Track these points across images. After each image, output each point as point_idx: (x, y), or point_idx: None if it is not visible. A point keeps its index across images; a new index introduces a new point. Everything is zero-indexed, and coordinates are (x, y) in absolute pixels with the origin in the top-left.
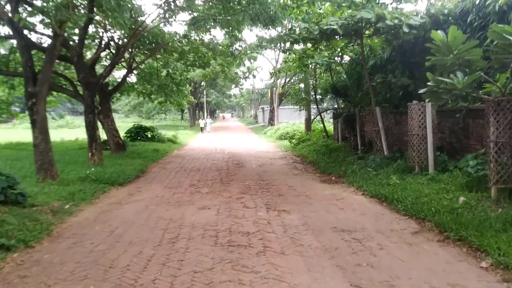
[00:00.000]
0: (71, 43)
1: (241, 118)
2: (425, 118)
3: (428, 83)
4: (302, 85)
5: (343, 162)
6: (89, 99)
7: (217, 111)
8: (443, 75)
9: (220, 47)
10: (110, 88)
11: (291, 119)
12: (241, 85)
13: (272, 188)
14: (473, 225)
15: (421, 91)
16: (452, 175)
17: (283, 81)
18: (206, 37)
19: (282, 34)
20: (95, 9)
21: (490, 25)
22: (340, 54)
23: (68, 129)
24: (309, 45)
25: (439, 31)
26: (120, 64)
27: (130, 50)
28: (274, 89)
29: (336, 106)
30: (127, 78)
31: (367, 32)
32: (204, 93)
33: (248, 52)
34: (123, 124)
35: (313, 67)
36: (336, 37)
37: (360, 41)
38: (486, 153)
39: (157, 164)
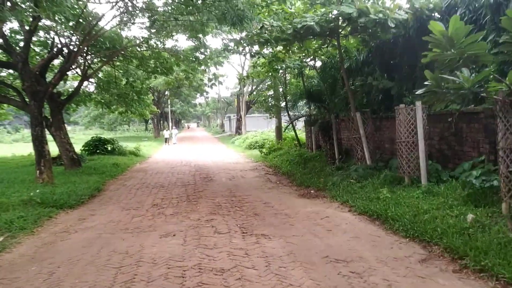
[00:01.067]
0: (18, 48)
1: (207, 128)
2: (415, 123)
3: (426, 83)
4: (271, 92)
5: (321, 173)
6: (35, 110)
7: (183, 121)
8: (442, 73)
9: (183, 52)
10: (63, 98)
11: (259, 127)
12: (206, 93)
13: (246, 205)
14: (493, 250)
15: (418, 91)
16: (449, 187)
17: (250, 88)
18: (169, 43)
19: (252, 33)
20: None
21: (490, 16)
22: (313, 57)
23: (23, 143)
24: (280, 47)
25: (438, 22)
26: (74, 72)
27: (84, 55)
28: (241, 97)
29: (309, 112)
30: (84, 87)
31: (343, 32)
32: (169, 102)
33: (214, 56)
34: (84, 136)
35: (283, 72)
36: (310, 37)
37: (336, 40)
38: (486, 161)
39: (116, 180)
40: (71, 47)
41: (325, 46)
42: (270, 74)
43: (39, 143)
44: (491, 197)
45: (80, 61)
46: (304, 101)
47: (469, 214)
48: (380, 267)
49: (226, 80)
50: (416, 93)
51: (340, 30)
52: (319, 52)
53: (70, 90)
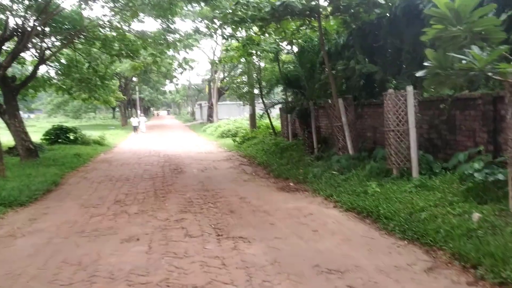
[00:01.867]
0: None
1: (177, 116)
2: (406, 110)
3: (426, 63)
4: (245, 78)
5: (299, 163)
6: None
7: (152, 109)
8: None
9: (151, 34)
10: (17, 83)
11: (232, 115)
12: (176, 79)
13: (220, 201)
14: None
15: (418, 73)
16: (444, 180)
17: (221, 75)
18: (135, 25)
19: (226, 11)
20: None
21: None
22: (290, 39)
23: None
24: (255, 28)
25: None
26: (31, 54)
27: (40, 37)
28: (212, 83)
29: (285, 99)
30: (44, 72)
31: (323, 12)
32: (137, 89)
33: (184, 39)
34: (47, 124)
35: (257, 56)
36: (289, 17)
37: (317, 21)
38: (484, 151)
39: (77, 172)
40: (26, 27)
41: (304, 28)
42: (244, 58)
43: None
44: (494, 193)
45: (37, 43)
46: (280, 88)
47: (475, 213)
48: (382, 279)
49: (197, 66)
50: (417, 75)
51: (321, 10)
52: (297, 34)
53: (24, 74)
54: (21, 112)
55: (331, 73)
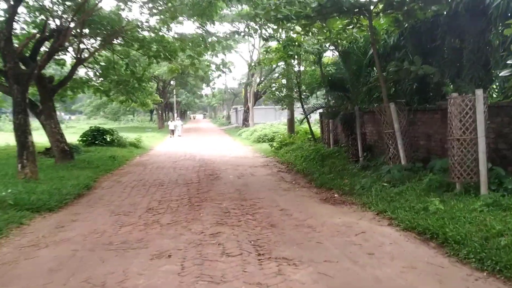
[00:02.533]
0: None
1: (213, 119)
2: (474, 116)
3: (510, 62)
4: (283, 81)
5: (344, 172)
6: (18, 95)
7: (188, 112)
8: None
9: (190, 36)
10: (54, 83)
11: (267, 119)
12: (213, 83)
13: (259, 212)
14: None
15: (502, 73)
16: None
17: (258, 79)
18: (174, 28)
19: (269, 7)
20: None
21: None
22: (335, 39)
23: None
24: (298, 28)
25: None
26: (67, 54)
27: (78, 37)
28: (249, 87)
29: (327, 103)
30: (80, 73)
31: (374, 9)
32: (174, 92)
33: (222, 40)
34: (87, 126)
35: (297, 58)
36: (336, 15)
37: (368, 18)
38: None
39: (111, 175)
40: (62, 24)
41: (351, 26)
42: (284, 60)
43: (21, 132)
44: None
45: (75, 43)
46: (320, 92)
47: None
48: None
49: (234, 70)
50: (500, 74)
51: (372, 7)
52: (342, 34)
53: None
54: (62, 114)
55: (382, 75)
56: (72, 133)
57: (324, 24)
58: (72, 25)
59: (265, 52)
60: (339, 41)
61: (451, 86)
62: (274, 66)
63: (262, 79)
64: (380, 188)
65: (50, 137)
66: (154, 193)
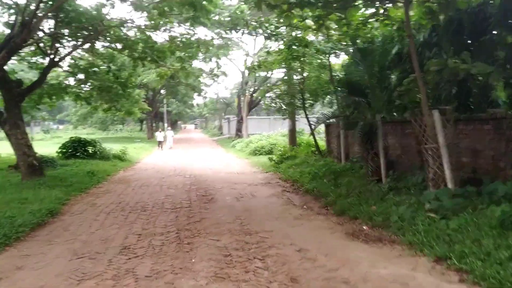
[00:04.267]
0: None
1: (204, 130)
2: None
3: None
4: (283, 88)
5: (366, 195)
6: None
7: (179, 122)
8: None
9: (180, 38)
10: (22, 88)
11: (261, 129)
12: (204, 92)
13: (271, 255)
14: None
15: None
16: None
17: (252, 88)
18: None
19: None
20: None
21: None
22: (354, 35)
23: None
24: (309, 22)
25: None
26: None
27: (51, 35)
28: (243, 96)
29: (341, 112)
30: (60, 78)
31: None
32: (164, 102)
33: (216, 39)
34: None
35: (301, 62)
36: (361, 1)
37: (405, 4)
38: None
39: (86, 196)
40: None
41: (374, 19)
42: (287, 64)
43: None
44: None
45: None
46: (326, 100)
47: None
48: None
49: (226, 79)
50: None
51: None
52: (362, 29)
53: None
54: (50, 123)
55: (420, 76)
56: (57, 143)
57: (343, 16)
58: (40, 14)
59: (266, 53)
60: (358, 37)
61: (505, 90)
62: (269, 73)
63: (256, 88)
64: (428, 221)
65: (15, 150)
66: (133, 222)
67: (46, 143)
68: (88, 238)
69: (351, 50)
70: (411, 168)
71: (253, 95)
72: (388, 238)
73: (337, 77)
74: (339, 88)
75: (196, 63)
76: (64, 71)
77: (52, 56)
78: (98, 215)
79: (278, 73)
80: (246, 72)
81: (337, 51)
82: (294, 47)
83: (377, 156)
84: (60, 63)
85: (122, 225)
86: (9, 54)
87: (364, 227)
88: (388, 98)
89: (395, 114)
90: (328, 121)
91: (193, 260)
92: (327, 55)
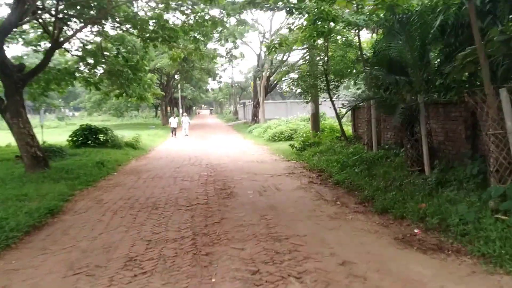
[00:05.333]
0: None
1: (219, 115)
2: None
3: None
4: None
5: (409, 189)
6: None
7: (194, 108)
8: None
9: (193, 16)
10: (24, 73)
11: (278, 114)
12: (219, 76)
13: (309, 271)
14: None
15: None
16: None
17: (268, 72)
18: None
19: None
20: None
21: None
22: (391, 2)
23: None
24: None
25: None
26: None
27: (53, 12)
28: (258, 80)
29: (375, 94)
30: (69, 62)
31: None
32: (179, 87)
33: (234, 12)
34: (90, 123)
35: (326, 39)
36: None
37: None
38: None
39: (93, 190)
40: None
41: None
42: (311, 41)
43: None
44: None
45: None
46: (350, 81)
47: None
48: None
49: (241, 63)
50: None
51: None
52: None
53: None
54: (66, 110)
55: (482, 47)
56: (70, 131)
57: None
58: None
59: (289, 30)
60: (396, 6)
61: None
62: (286, 56)
63: (272, 71)
64: (499, 226)
65: (17, 140)
66: (142, 224)
67: (61, 130)
68: (89, 245)
69: (385, 24)
70: (458, 157)
71: (270, 78)
72: (450, 247)
73: (365, 55)
74: (371, 67)
75: (211, 45)
76: (72, 54)
77: (55, 38)
78: (104, 214)
79: (295, 56)
80: (262, 54)
81: (370, 24)
82: (319, 22)
83: (418, 143)
84: (68, 47)
85: (129, 228)
86: (3, 33)
87: (416, 231)
88: (427, 77)
89: (433, 95)
90: (361, 103)
91: (213, 280)
92: (358, 30)
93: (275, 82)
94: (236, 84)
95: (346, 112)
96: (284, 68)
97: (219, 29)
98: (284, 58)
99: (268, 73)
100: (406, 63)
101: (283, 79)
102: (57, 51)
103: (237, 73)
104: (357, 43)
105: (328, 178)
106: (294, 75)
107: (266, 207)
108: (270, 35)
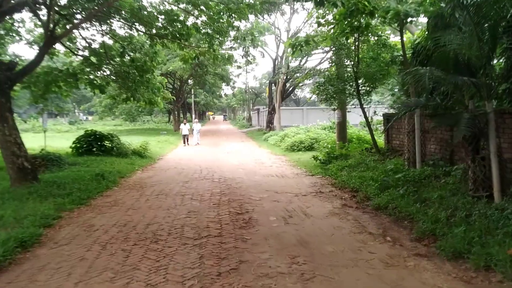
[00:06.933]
0: None
1: (232, 121)
2: None
3: None
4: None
5: (483, 223)
6: None
7: (207, 113)
8: None
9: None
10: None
11: (294, 122)
12: (232, 82)
13: None
14: None
15: None
16: None
17: (284, 77)
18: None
19: None
20: None
21: None
22: None
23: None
24: None
25: None
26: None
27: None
28: (274, 85)
29: (425, 100)
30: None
31: None
32: (192, 92)
33: (251, 11)
34: (102, 128)
35: (360, 37)
36: None
37: None
38: None
39: (85, 210)
40: None
41: None
42: (345, 38)
43: None
44: None
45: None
46: (383, 87)
47: None
48: None
49: (255, 68)
50: None
51: None
52: None
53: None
54: (80, 114)
55: None
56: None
57: None
58: None
59: (317, 24)
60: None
61: None
62: (304, 60)
63: (289, 76)
64: None
65: (2, 149)
66: (135, 268)
67: (70, 135)
68: None
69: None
70: None
71: (286, 84)
72: None
73: (401, 57)
74: (427, 66)
75: (226, 49)
76: (75, 54)
77: (50, 32)
78: (90, 248)
79: (313, 61)
80: (279, 58)
81: (422, 13)
82: (353, 15)
83: (485, 161)
84: (74, 47)
85: (117, 273)
86: None
87: None
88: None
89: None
90: (412, 110)
91: None
92: (402, 24)
93: (291, 87)
94: (250, 90)
95: (391, 122)
96: (306, 72)
97: (237, 24)
98: (302, 63)
99: (284, 78)
100: (472, 62)
101: (303, 83)
102: (61, 51)
103: (251, 78)
104: (392, 43)
105: (364, 201)
106: (319, 78)
107: (295, 243)
108: (288, 37)
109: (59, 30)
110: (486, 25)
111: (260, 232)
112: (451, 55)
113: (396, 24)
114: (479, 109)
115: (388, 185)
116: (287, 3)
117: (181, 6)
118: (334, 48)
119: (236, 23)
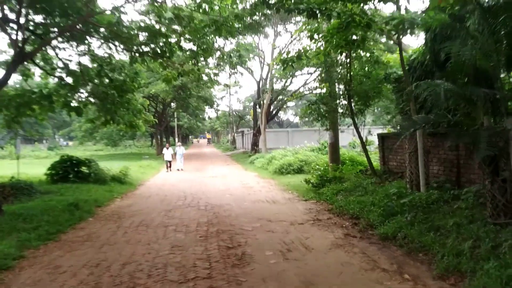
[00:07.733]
0: None
1: (215, 144)
2: None
3: None
4: (319, 90)
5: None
6: None
7: (190, 137)
8: None
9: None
10: None
11: (279, 144)
12: (216, 105)
13: None
14: None
15: None
16: None
17: (268, 99)
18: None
19: None
20: None
21: None
22: None
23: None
24: None
25: None
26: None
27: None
28: (258, 107)
29: (435, 117)
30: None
31: None
32: (175, 115)
33: (241, 14)
34: (83, 153)
35: (354, 52)
36: None
37: None
38: None
39: (52, 247)
40: None
41: None
42: (340, 52)
43: None
44: None
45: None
46: (379, 103)
47: None
48: None
49: (239, 91)
50: None
51: None
52: None
53: None
54: (60, 139)
55: None
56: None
57: None
58: None
59: (309, 38)
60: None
61: None
62: (288, 81)
63: (272, 98)
64: None
65: None
66: None
67: (48, 161)
68: None
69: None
70: None
71: (271, 106)
72: None
73: (395, 73)
74: (439, 78)
75: (211, 68)
76: (48, 74)
77: (20, 49)
78: None
79: (298, 82)
80: (263, 80)
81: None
82: (346, 28)
83: (506, 184)
84: (45, 65)
85: None
86: None
87: None
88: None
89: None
90: (419, 129)
91: None
92: (401, 35)
93: (276, 109)
94: (234, 112)
95: (400, 141)
96: (291, 93)
97: (222, 42)
98: (286, 84)
99: (270, 99)
100: (487, 74)
101: (286, 106)
102: (39, 73)
103: (235, 101)
104: (385, 60)
105: (368, 229)
106: (303, 101)
107: (299, 285)
108: (272, 58)
109: (29, 48)
110: (502, 32)
111: (256, 271)
112: (474, 65)
113: (395, 37)
114: (498, 126)
115: (393, 211)
116: (277, 18)
117: (164, 20)
118: (325, 66)
119: (221, 42)
